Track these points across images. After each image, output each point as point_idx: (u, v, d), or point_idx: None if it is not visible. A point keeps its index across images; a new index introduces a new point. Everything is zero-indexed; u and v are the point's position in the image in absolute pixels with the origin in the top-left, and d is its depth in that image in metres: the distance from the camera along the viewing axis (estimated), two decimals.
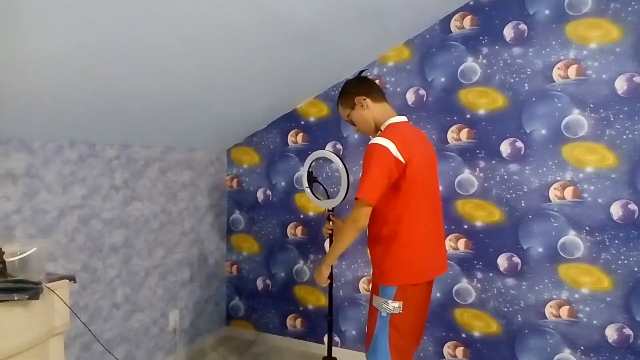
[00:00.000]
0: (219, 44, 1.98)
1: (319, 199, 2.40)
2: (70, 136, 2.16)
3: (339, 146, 2.99)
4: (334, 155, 2.36)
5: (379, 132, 1.81)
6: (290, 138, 3.16)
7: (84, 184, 2.27)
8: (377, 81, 2.46)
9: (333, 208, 2.31)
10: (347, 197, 2.31)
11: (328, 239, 2.35)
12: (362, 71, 2.08)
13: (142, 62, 1.84)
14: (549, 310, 2.49)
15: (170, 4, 1.58)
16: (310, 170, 2.41)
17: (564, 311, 2.46)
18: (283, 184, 3.19)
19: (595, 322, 2.40)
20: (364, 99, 1.81)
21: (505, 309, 2.59)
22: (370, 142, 1.70)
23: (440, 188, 2.68)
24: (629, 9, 2.29)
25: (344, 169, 2.29)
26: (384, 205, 1.71)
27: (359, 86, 1.85)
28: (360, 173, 1.71)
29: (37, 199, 2.04)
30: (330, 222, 2.22)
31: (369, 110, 1.82)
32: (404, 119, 1.82)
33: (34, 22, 1.38)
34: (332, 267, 1.99)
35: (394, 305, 1.72)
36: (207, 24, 1.79)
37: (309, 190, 2.40)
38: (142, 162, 2.63)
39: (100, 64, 1.73)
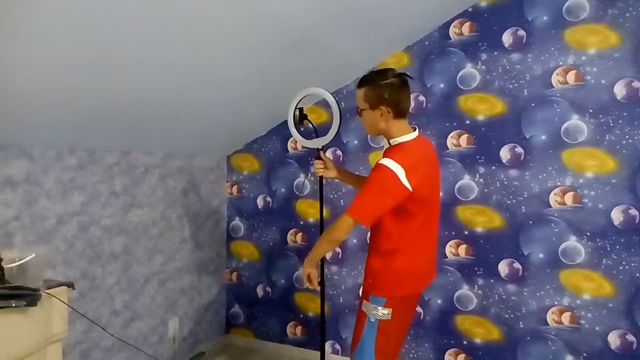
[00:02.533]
0: (219, 50, 1.99)
1: (307, 139, 2.20)
2: (70, 143, 2.16)
3: (339, 152, 2.99)
4: (325, 92, 2.15)
5: (388, 145, 1.75)
6: (290, 144, 3.16)
7: (84, 191, 2.26)
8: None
9: (323, 147, 2.15)
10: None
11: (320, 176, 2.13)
12: (406, 74, 1.73)
13: (141, 68, 1.84)
14: (550, 316, 2.47)
15: (170, 11, 1.59)
16: (300, 107, 2.21)
17: (566, 317, 2.44)
18: (283, 190, 3.19)
19: (597, 328, 2.38)
20: (389, 112, 1.68)
21: (507, 316, 2.57)
22: (380, 161, 1.64)
23: (440, 195, 2.69)
24: (627, 14, 2.30)
25: (336, 105, 2.11)
26: (388, 221, 1.71)
27: (394, 94, 1.67)
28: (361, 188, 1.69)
29: (36, 205, 2.04)
30: (321, 160, 2.06)
31: (385, 121, 1.71)
32: (416, 134, 1.74)
33: (33, 28, 1.39)
34: (324, 274, 1.96)
35: (384, 312, 1.73)
36: (206, 30, 1.80)
37: (294, 129, 2.19)
38: (142, 169, 2.63)
39: (100, 71, 1.73)
